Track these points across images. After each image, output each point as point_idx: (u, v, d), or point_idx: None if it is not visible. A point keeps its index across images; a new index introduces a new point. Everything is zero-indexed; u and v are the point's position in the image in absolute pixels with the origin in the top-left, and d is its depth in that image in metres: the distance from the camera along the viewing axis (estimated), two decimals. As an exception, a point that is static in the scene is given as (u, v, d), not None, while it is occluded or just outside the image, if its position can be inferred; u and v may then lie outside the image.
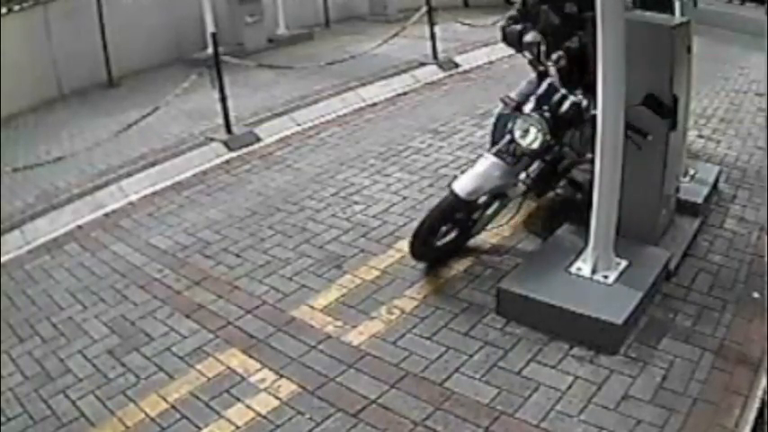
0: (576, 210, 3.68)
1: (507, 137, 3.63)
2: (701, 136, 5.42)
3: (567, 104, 3.51)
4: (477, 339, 3.16)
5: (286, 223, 4.39)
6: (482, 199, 3.66)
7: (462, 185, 3.56)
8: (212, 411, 2.85)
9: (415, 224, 4.16)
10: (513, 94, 3.95)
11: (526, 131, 3.51)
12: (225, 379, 3.03)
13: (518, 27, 4.00)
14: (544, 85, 3.65)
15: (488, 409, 2.75)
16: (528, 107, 3.60)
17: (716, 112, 5.89)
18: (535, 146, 3.51)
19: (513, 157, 3.60)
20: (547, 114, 3.51)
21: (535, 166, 3.60)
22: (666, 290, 3.45)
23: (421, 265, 3.74)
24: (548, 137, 3.48)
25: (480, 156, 3.83)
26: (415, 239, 3.64)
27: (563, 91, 3.56)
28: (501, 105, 3.98)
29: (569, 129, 3.58)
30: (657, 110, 3.33)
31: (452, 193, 3.56)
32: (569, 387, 2.85)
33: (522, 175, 3.59)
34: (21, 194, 5.23)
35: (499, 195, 3.71)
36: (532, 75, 4.13)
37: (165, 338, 3.36)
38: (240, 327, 3.38)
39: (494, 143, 4.03)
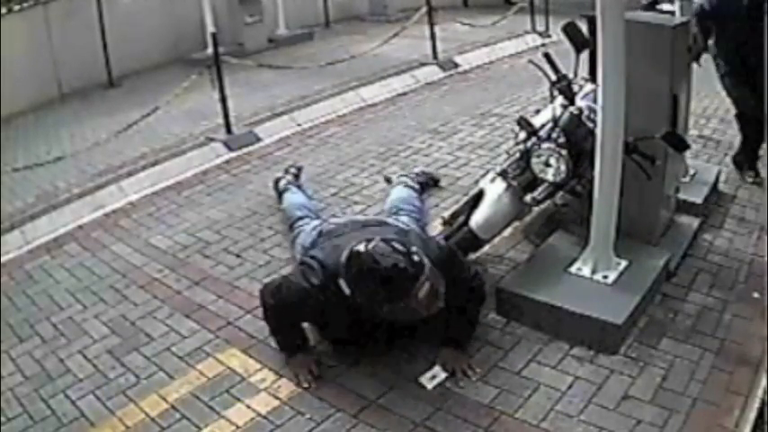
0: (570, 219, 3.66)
1: (516, 156, 3.50)
2: (701, 136, 5.41)
3: (590, 136, 3.31)
4: (477, 339, 3.15)
5: (286, 223, 4.38)
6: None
7: (481, 226, 3.42)
8: (212, 411, 2.84)
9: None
10: (529, 117, 3.63)
11: (547, 164, 3.37)
12: (225, 379, 3.03)
13: None
14: (567, 114, 3.46)
15: (488, 409, 2.75)
16: (548, 135, 3.41)
17: (716, 113, 5.88)
18: (559, 179, 3.38)
19: (523, 178, 3.47)
20: (565, 143, 3.34)
21: (542, 187, 3.47)
22: (666, 290, 3.44)
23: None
24: (570, 166, 3.35)
25: (487, 172, 3.65)
26: None
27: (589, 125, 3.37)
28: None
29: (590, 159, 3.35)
30: (676, 145, 3.30)
31: (471, 232, 3.42)
32: (569, 387, 2.85)
33: (529, 198, 3.47)
34: (21, 194, 5.23)
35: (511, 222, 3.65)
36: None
37: (165, 338, 3.35)
38: (240, 327, 3.38)
39: None
